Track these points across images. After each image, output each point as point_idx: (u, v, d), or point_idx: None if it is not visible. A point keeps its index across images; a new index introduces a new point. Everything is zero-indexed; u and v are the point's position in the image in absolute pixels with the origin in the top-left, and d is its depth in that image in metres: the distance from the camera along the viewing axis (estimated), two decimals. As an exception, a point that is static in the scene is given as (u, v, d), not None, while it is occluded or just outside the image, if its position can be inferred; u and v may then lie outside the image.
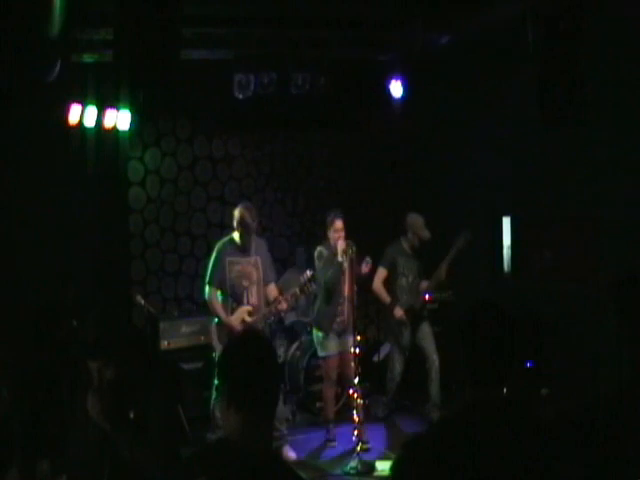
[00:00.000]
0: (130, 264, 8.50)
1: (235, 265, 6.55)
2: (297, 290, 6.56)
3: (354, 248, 6.76)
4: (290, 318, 8.26)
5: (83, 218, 7.73)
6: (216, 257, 6.59)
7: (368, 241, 7.21)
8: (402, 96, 8.41)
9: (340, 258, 6.80)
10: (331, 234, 6.96)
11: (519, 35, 6.35)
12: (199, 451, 2.45)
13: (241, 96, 7.51)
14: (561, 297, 7.42)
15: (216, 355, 6.52)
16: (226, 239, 6.67)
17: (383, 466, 6.41)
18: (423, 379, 7.52)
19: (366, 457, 6.56)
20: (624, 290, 3.10)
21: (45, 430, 4.18)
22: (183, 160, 8.84)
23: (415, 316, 7.51)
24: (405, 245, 7.52)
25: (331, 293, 7.00)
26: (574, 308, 7.21)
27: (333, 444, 7.11)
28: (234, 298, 6.54)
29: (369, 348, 8.44)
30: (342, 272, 6.89)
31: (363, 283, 7.25)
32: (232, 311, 6.50)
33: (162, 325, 7.61)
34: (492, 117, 8.15)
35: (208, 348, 7.00)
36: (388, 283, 7.55)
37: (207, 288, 6.59)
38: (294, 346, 8.10)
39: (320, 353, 7.21)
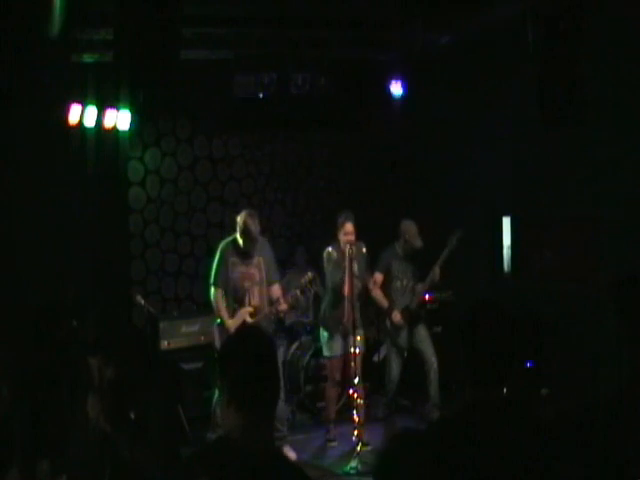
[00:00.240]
0: (130, 264, 8.50)
1: (237, 266, 6.54)
2: (297, 292, 6.57)
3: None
4: (290, 318, 8.26)
5: (83, 218, 7.72)
6: (220, 258, 6.58)
7: (368, 241, 7.20)
8: (402, 96, 8.41)
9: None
10: (341, 236, 6.92)
11: (519, 35, 6.36)
12: (199, 451, 2.45)
13: (241, 96, 7.51)
14: (561, 297, 7.41)
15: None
16: (229, 239, 6.65)
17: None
18: (422, 379, 7.52)
19: (366, 457, 6.57)
20: (624, 290, 3.10)
21: (45, 430, 4.18)
22: (183, 160, 8.84)
23: (412, 317, 7.52)
24: (399, 250, 7.53)
25: (339, 295, 6.99)
26: (574, 308, 7.20)
27: (333, 444, 7.11)
28: (236, 299, 6.54)
29: (369, 348, 8.42)
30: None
31: (363, 287, 7.25)
32: (234, 312, 6.51)
33: (162, 325, 7.60)
34: (492, 117, 8.14)
35: (208, 348, 6.99)
36: (384, 287, 7.57)
37: (212, 289, 6.58)
38: (294, 346, 8.10)
39: (325, 353, 7.22)
